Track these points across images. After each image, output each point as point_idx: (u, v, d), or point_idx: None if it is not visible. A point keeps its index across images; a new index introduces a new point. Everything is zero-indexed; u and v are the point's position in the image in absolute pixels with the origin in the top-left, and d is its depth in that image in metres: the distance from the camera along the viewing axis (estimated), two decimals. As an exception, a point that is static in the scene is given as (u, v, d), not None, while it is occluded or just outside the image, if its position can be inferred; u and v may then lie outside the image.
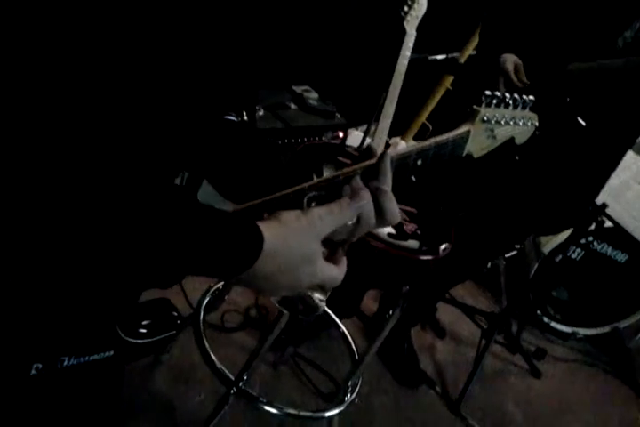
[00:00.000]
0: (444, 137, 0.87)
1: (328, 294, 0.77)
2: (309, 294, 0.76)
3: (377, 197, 0.72)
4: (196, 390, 1.84)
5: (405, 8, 1.90)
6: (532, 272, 2.71)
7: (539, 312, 2.87)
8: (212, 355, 1.62)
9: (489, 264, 2.93)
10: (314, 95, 2.33)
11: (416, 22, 1.98)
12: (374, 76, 2.21)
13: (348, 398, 1.68)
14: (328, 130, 2.27)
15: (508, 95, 0.91)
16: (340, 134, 2.29)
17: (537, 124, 0.99)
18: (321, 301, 0.77)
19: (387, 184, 0.74)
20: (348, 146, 2.03)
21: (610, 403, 2.69)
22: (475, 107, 0.89)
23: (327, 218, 0.66)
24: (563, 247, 2.45)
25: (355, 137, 2.22)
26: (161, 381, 1.83)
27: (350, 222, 0.70)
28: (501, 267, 2.98)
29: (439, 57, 2.36)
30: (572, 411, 2.56)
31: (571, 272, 2.82)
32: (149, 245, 0.54)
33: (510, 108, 0.93)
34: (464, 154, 0.93)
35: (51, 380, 0.83)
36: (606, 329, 2.96)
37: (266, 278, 0.63)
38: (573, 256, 2.79)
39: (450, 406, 2.26)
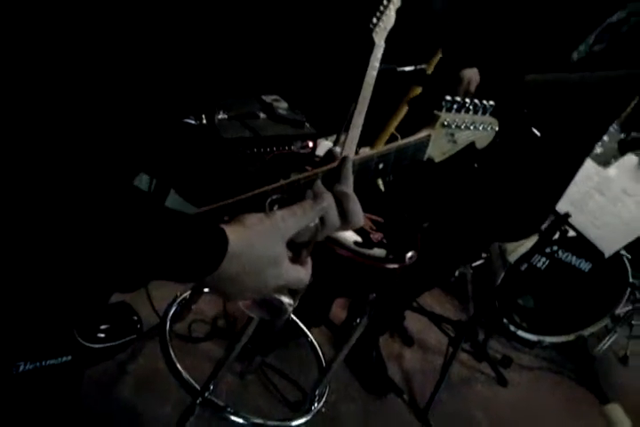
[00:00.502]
0: (405, 141, 0.89)
1: (297, 299, 0.77)
2: (277, 297, 0.75)
3: (340, 199, 0.73)
4: (162, 400, 1.81)
5: (374, 20, 1.94)
6: (499, 281, 2.74)
7: (505, 320, 2.91)
8: (177, 365, 1.60)
9: (456, 273, 2.97)
10: (283, 105, 2.34)
11: (385, 34, 2.01)
12: (344, 86, 2.23)
13: (315, 406, 1.68)
14: (297, 139, 2.27)
15: (468, 100, 0.93)
16: (310, 144, 2.30)
17: (497, 128, 1.01)
18: (289, 305, 0.76)
19: (349, 187, 0.75)
20: (316, 156, 2.04)
21: (574, 410, 2.73)
22: (435, 112, 0.91)
23: (290, 220, 0.67)
24: (528, 256, 2.49)
25: (324, 147, 2.24)
26: (126, 390, 1.80)
27: (313, 224, 0.71)
28: (468, 275, 3.01)
29: (407, 68, 2.40)
30: (538, 418, 2.59)
31: (536, 281, 2.87)
32: (113, 248, 0.54)
33: (470, 113, 0.95)
34: (425, 158, 0.95)
35: (7, 385, 0.82)
36: (571, 337, 3.01)
37: (232, 281, 0.63)
38: (539, 265, 2.83)
39: (417, 413, 2.26)
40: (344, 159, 0.76)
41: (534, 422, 2.55)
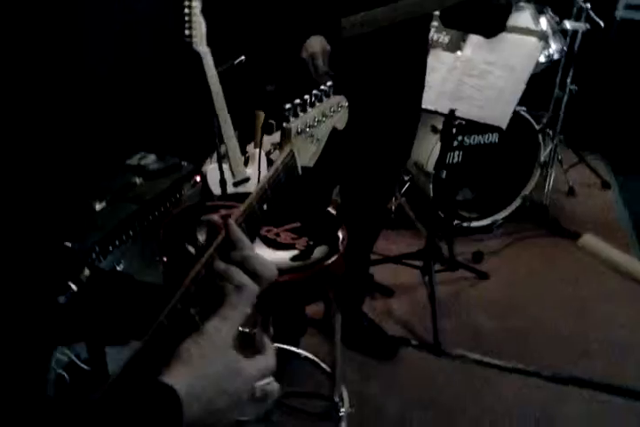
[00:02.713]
0: (272, 172, 0.81)
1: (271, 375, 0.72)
2: (256, 391, 0.69)
3: (244, 265, 0.71)
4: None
5: (187, 32, 1.88)
6: (431, 193, 2.72)
7: (456, 222, 2.92)
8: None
9: (392, 208, 2.93)
10: (151, 158, 2.21)
11: (204, 39, 1.94)
12: (195, 107, 2.11)
13: (343, 412, 1.62)
14: (184, 182, 2.19)
15: (306, 97, 0.86)
16: (198, 179, 2.23)
17: (346, 104, 0.95)
18: (270, 382, 0.71)
19: (245, 248, 0.73)
20: (205, 199, 2.01)
21: (554, 255, 2.89)
22: (284, 125, 0.83)
23: (224, 326, 0.66)
24: (441, 160, 2.45)
25: (213, 171, 2.13)
26: None
27: (249, 311, 0.69)
28: (403, 203, 2.99)
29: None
30: (535, 287, 2.67)
31: (462, 173, 2.87)
32: None
33: (315, 105, 0.87)
34: (300, 172, 0.86)
35: None
36: (518, 202, 3.07)
37: (208, 415, 0.62)
38: (455, 160, 2.82)
39: (433, 351, 2.26)
40: (227, 227, 0.73)
41: (536, 293, 2.62)
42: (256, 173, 1.85)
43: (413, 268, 2.54)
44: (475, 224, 3.01)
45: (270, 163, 1.78)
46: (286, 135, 0.82)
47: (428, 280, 2.42)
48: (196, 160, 2.35)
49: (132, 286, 0.83)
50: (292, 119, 0.82)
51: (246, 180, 2.13)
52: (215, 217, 0.75)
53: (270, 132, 2.41)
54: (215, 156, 2.08)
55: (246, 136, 2.35)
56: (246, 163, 2.27)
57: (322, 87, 0.87)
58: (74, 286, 0.73)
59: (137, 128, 2.29)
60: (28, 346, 0.63)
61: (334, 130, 0.92)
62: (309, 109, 0.85)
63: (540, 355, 2.25)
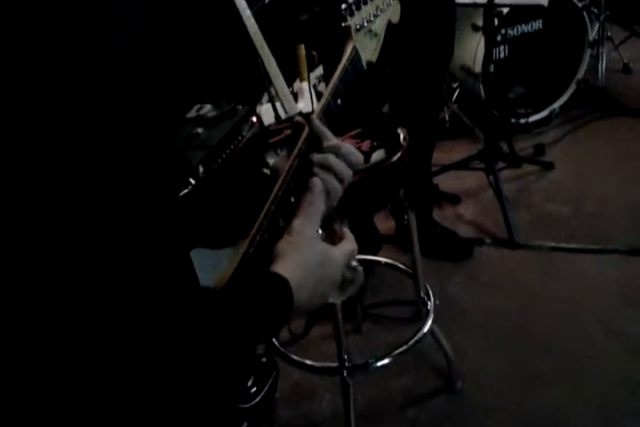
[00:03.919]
0: (340, 68, 0.87)
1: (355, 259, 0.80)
2: (345, 273, 0.78)
3: (334, 152, 0.77)
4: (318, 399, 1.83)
5: None
6: (483, 94, 2.69)
7: (514, 120, 2.88)
8: (306, 362, 1.66)
9: (446, 116, 2.91)
10: (207, 107, 2.28)
11: None
12: (237, 51, 2.12)
13: (430, 305, 1.72)
14: (242, 125, 2.27)
15: None
16: (254, 119, 2.28)
17: None
18: (357, 266, 0.80)
19: (330, 138, 0.79)
20: (270, 125, 2.01)
21: (617, 135, 2.84)
22: (343, 24, 0.88)
23: (306, 220, 0.73)
24: (488, 55, 2.40)
25: (267, 111, 2.17)
26: (282, 408, 1.81)
27: (324, 206, 0.75)
28: (456, 110, 2.96)
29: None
30: (601, 163, 2.66)
31: (511, 69, 2.80)
32: (231, 352, 0.63)
33: (368, 2, 0.90)
34: (365, 66, 0.91)
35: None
36: (573, 87, 2.98)
37: (312, 299, 0.70)
38: (502, 56, 2.76)
39: (507, 245, 2.31)
40: (310, 122, 0.78)
41: (604, 174, 2.60)
42: (308, 107, 1.89)
43: (477, 171, 2.53)
44: (532, 119, 2.95)
45: (319, 96, 1.82)
46: (347, 33, 0.86)
47: (494, 179, 2.44)
48: (250, 102, 2.39)
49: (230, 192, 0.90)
50: (349, 18, 0.85)
51: (300, 114, 2.18)
52: (298, 117, 0.81)
53: (313, 66, 2.44)
54: (266, 95, 2.12)
55: (292, 73, 2.37)
56: (296, 99, 2.31)
57: (371, -17, 0.89)
58: (192, 181, 0.81)
59: (188, 82, 2.35)
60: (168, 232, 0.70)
61: (390, 24, 0.95)
62: (363, 6, 0.88)
63: (615, 233, 2.26)
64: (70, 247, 0.51)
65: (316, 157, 0.77)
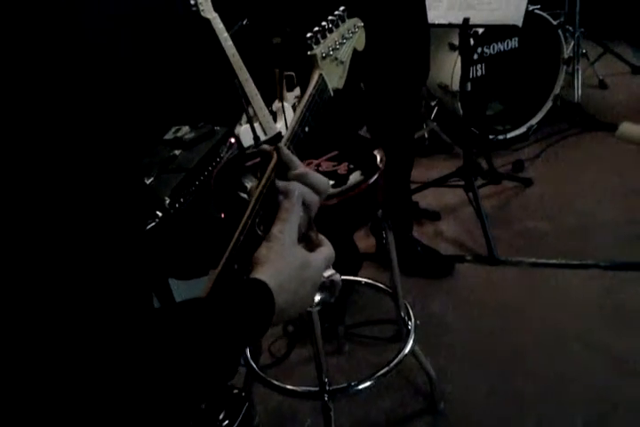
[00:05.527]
0: (306, 96, 0.87)
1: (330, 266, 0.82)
2: (324, 279, 0.81)
3: (301, 181, 0.78)
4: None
5: (192, 1, 1.92)
6: (461, 111, 2.71)
7: (492, 136, 2.91)
8: (287, 387, 1.63)
9: (425, 134, 2.93)
10: (185, 129, 2.29)
11: (210, 4, 1.97)
12: (215, 72, 2.19)
13: (411, 325, 1.71)
14: (220, 146, 2.27)
15: (324, 23, 0.90)
16: (232, 140, 2.29)
17: (361, 24, 0.99)
18: (334, 274, 0.84)
19: (298, 167, 0.80)
20: (246, 149, 2.04)
21: (594, 150, 2.89)
22: (309, 53, 0.89)
23: (286, 227, 0.74)
24: (465, 73, 2.43)
25: (245, 131, 2.21)
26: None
27: (302, 213, 0.77)
28: (435, 128, 2.99)
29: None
30: (579, 179, 2.69)
31: (488, 86, 2.84)
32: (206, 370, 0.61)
33: (333, 30, 0.91)
34: (332, 93, 0.92)
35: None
36: (549, 103, 3.03)
37: (290, 305, 0.71)
38: (479, 74, 2.79)
39: (488, 262, 2.32)
40: (278, 150, 0.80)
41: (583, 189, 2.64)
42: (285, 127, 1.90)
43: (456, 188, 2.56)
44: (510, 135, 3.00)
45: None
46: (314, 61, 0.87)
47: (473, 196, 2.46)
48: (228, 123, 2.41)
49: (199, 221, 0.91)
50: (314, 46, 0.87)
51: (278, 135, 2.19)
52: (265, 146, 0.81)
53: (292, 86, 2.46)
54: (245, 116, 2.14)
55: (270, 94, 2.39)
56: (275, 119, 2.33)
57: (336, 13, 0.91)
58: (159, 213, 0.80)
59: (166, 104, 2.35)
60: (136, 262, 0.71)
61: (356, 52, 0.96)
62: (329, 35, 0.89)
63: (595, 248, 2.28)
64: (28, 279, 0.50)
65: (279, 184, 0.78)
